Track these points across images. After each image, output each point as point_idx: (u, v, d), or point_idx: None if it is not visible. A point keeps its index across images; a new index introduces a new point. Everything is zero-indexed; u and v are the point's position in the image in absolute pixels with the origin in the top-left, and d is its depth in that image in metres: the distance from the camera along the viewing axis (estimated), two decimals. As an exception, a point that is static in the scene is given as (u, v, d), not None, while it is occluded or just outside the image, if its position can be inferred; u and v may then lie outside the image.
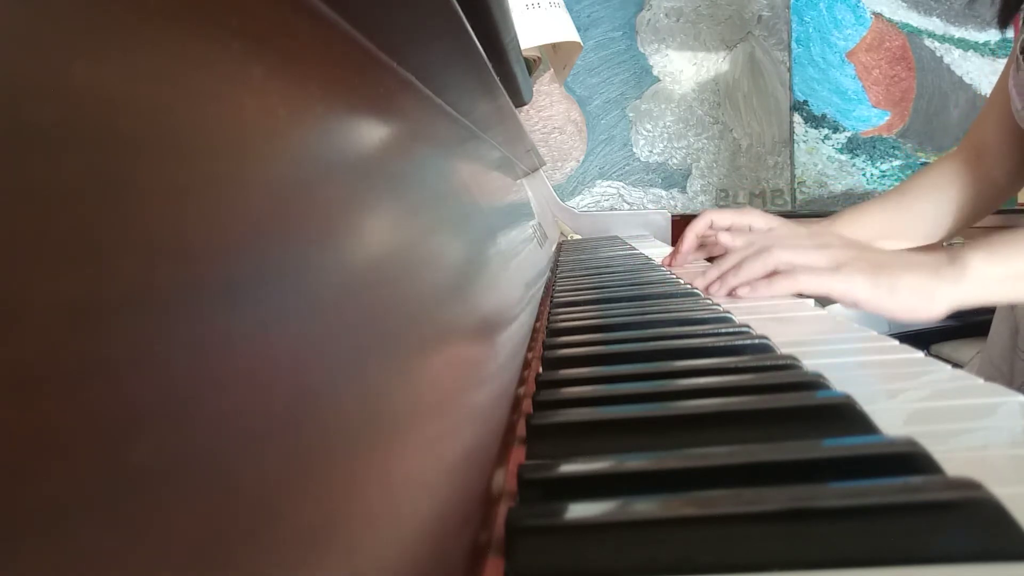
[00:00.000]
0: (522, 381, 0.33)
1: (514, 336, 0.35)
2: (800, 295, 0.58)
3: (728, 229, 0.75)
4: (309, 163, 0.16)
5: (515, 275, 0.45)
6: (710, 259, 0.82)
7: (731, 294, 0.59)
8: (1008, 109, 0.82)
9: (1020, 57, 0.75)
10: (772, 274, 0.58)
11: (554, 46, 1.34)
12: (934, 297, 0.54)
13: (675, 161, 1.97)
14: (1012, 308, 0.81)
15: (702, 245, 0.81)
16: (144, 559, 0.08)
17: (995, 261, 0.54)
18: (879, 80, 1.97)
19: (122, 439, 0.08)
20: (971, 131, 0.89)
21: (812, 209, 1.93)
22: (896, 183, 1.95)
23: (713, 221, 0.78)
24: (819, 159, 1.96)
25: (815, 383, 0.29)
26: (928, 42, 1.96)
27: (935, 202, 0.84)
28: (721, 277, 0.60)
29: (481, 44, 0.35)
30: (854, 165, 1.96)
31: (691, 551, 0.19)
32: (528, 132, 0.81)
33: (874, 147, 1.96)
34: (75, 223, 0.08)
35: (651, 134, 1.97)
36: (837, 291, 0.55)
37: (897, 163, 1.96)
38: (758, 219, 0.75)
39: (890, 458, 0.22)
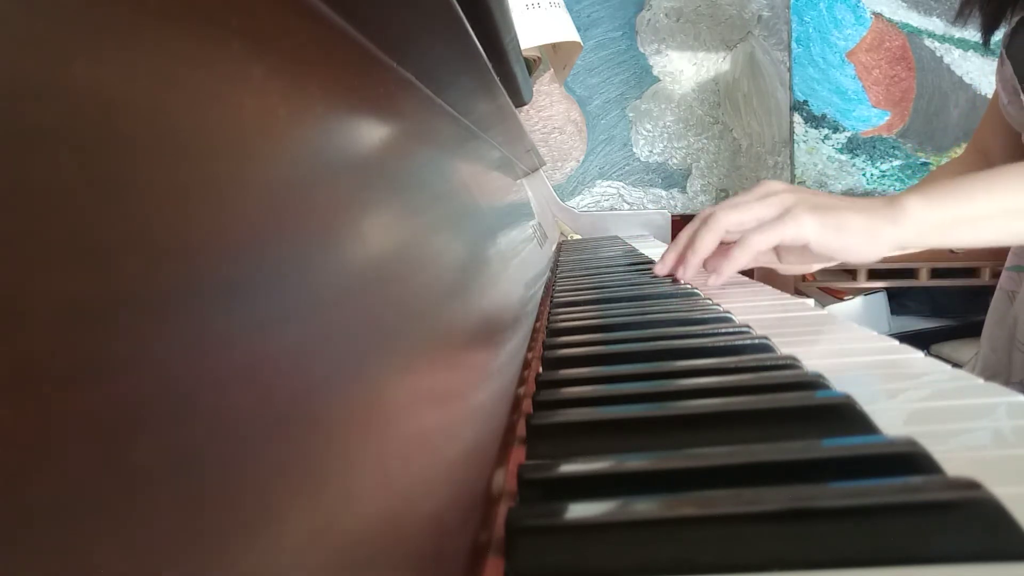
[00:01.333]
0: (522, 381, 0.33)
1: (514, 336, 0.35)
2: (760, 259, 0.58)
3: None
4: (309, 163, 0.16)
5: (515, 275, 0.45)
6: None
7: (707, 285, 0.59)
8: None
9: (1004, 52, 0.75)
10: (725, 247, 0.58)
11: (554, 46, 1.34)
12: (878, 237, 0.55)
13: (675, 161, 1.97)
14: (1011, 301, 0.81)
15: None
16: (144, 559, 0.08)
17: (931, 207, 0.55)
18: (879, 80, 1.97)
19: (122, 439, 0.08)
20: (976, 134, 0.90)
21: (812, 209, 1.93)
22: (896, 183, 1.95)
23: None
24: (819, 159, 1.96)
25: (815, 383, 0.29)
26: (928, 42, 1.96)
27: None
28: (682, 259, 0.60)
29: (481, 44, 0.35)
30: (854, 165, 1.96)
31: (691, 551, 0.19)
32: (528, 132, 0.81)
33: (874, 147, 1.96)
34: (75, 223, 0.08)
35: (651, 134, 1.97)
36: (788, 236, 0.55)
37: (897, 163, 1.96)
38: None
39: (890, 458, 0.22)
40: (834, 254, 0.56)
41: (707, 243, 0.59)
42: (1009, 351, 0.79)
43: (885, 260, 0.58)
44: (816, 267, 0.65)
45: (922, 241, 0.56)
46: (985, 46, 0.82)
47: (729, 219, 0.58)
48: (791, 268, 0.65)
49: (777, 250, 0.60)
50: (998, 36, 0.79)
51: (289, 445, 0.11)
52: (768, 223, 0.56)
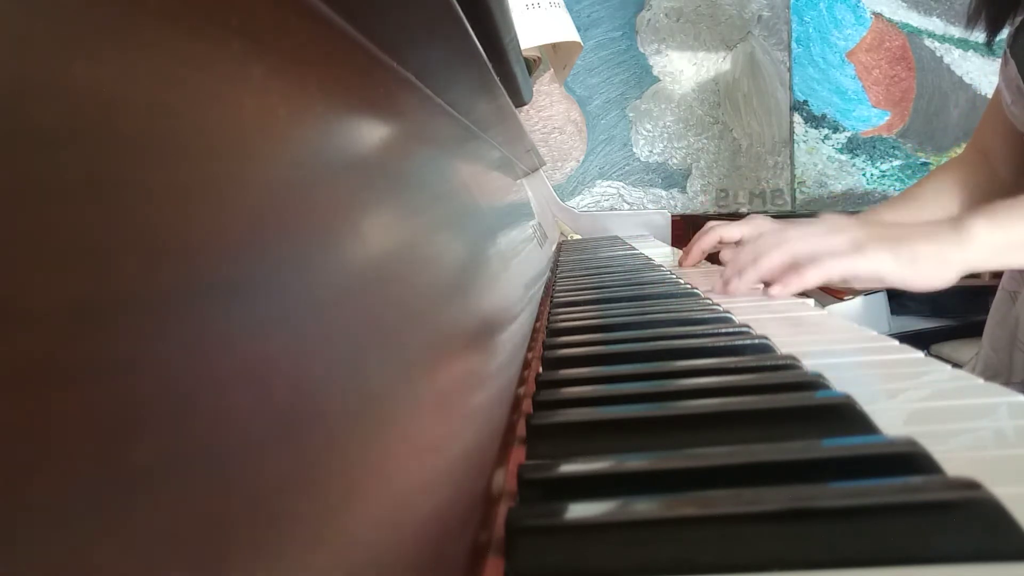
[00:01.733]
0: (522, 381, 0.33)
1: (514, 336, 0.35)
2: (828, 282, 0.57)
3: (739, 243, 0.75)
4: (309, 163, 0.16)
5: (515, 275, 0.45)
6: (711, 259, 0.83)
7: (764, 292, 0.58)
8: (1003, 111, 0.82)
9: (1008, 52, 0.75)
10: (795, 267, 0.57)
11: (554, 46, 1.34)
12: (948, 264, 0.55)
13: (675, 161, 1.97)
14: (1013, 301, 0.81)
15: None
16: (144, 559, 0.08)
17: (997, 229, 0.55)
18: (879, 80, 1.97)
19: (122, 439, 0.08)
20: (975, 133, 0.90)
21: (812, 209, 1.93)
22: (896, 183, 1.95)
23: (722, 237, 0.78)
24: (819, 159, 1.96)
25: (815, 383, 0.29)
26: (928, 42, 1.96)
27: (945, 207, 0.84)
28: (740, 272, 0.59)
29: (481, 44, 0.35)
30: (854, 165, 1.96)
31: (691, 551, 0.19)
32: (528, 132, 0.81)
33: (874, 147, 1.96)
34: (75, 223, 0.08)
35: (651, 134, 1.97)
36: (863, 270, 0.55)
37: (897, 163, 1.96)
38: (767, 226, 0.75)
39: (890, 458, 0.22)
40: (909, 285, 0.56)
41: (772, 264, 0.58)
42: (1010, 351, 0.79)
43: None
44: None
45: (989, 264, 0.56)
46: (988, 47, 0.82)
47: (800, 247, 0.57)
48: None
49: (847, 278, 0.60)
50: (1000, 36, 0.79)
51: (289, 445, 0.11)
52: (843, 254, 0.55)
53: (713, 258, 0.81)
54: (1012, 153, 0.84)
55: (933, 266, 0.55)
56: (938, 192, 0.85)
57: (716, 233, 0.79)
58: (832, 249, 0.56)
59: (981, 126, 0.89)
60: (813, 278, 0.56)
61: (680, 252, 0.90)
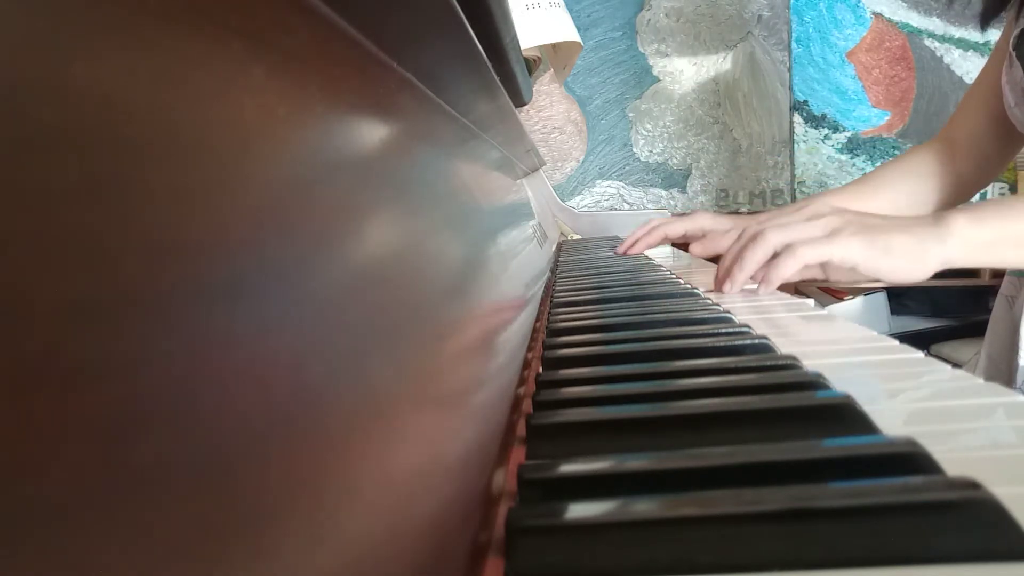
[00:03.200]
0: (522, 381, 0.33)
1: (514, 336, 0.35)
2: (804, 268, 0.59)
3: (683, 237, 0.80)
4: (309, 163, 0.16)
5: (515, 275, 0.45)
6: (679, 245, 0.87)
7: (755, 292, 0.60)
8: (985, 103, 0.83)
9: (1013, 54, 0.75)
10: (773, 257, 0.58)
11: (554, 46, 1.35)
12: (925, 257, 0.55)
13: (675, 161, 1.97)
14: (1011, 305, 0.81)
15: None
16: (144, 559, 0.08)
17: (977, 225, 0.56)
18: (879, 80, 1.97)
19: (122, 439, 0.08)
20: (948, 124, 0.90)
21: (812, 209, 1.93)
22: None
23: (667, 235, 0.84)
24: (819, 159, 1.96)
25: (815, 383, 0.29)
26: (928, 42, 1.96)
27: (903, 191, 0.85)
28: (729, 275, 0.61)
29: (481, 44, 0.35)
30: (854, 165, 1.96)
31: (691, 551, 0.19)
32: (528, 132, 0.81)
33: (874, 147, 1.96)
34: (75, 223, 0.08)
35: (651, 134, 1.97)
36: (836, 256, 0.55)
37: (897, 163, 1.96)
38: (707, 221, 0.79)
39: (890, 458, 0.22)
40: (882, 275, 0.57)
41: (756, 260, 0.59)
42: (1009, 358, 0.79)
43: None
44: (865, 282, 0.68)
45: (968, 259, 0.56)
46: (982, 31, 0.82)
47: (778, 238, 0.58)
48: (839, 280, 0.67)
49: (824, 266, 0.61)
50: (993, 36, 0.79)
51: (289, 445, 0.11)
52: (817, 240, 0.56)
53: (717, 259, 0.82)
54: (977, 151, 0.84)
55: (908, 258, 0.55)
56: (899, 176, 0.86)
57: (660, 232, 0.84)
58: (807, 236, 0.57)
59: (954, 118, 0.89)
60: (788, 269, 0.57)
61: (680, 252, 0.90)
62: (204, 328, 0.10)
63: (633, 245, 0.88)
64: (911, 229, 0.56)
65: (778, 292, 0.61)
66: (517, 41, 0.53)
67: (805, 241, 0.56)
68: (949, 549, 0.18)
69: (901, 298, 1.83)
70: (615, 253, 0.90)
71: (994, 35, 0.85)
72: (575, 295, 0.60)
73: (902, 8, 1.97)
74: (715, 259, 0.82)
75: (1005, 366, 0.80)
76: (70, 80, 0.08)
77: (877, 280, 0.59)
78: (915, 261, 0.55)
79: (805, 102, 1.96)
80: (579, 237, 1.43)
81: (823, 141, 1.96)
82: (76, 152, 0.08)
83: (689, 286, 0.60)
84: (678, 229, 0.83)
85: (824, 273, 0.64)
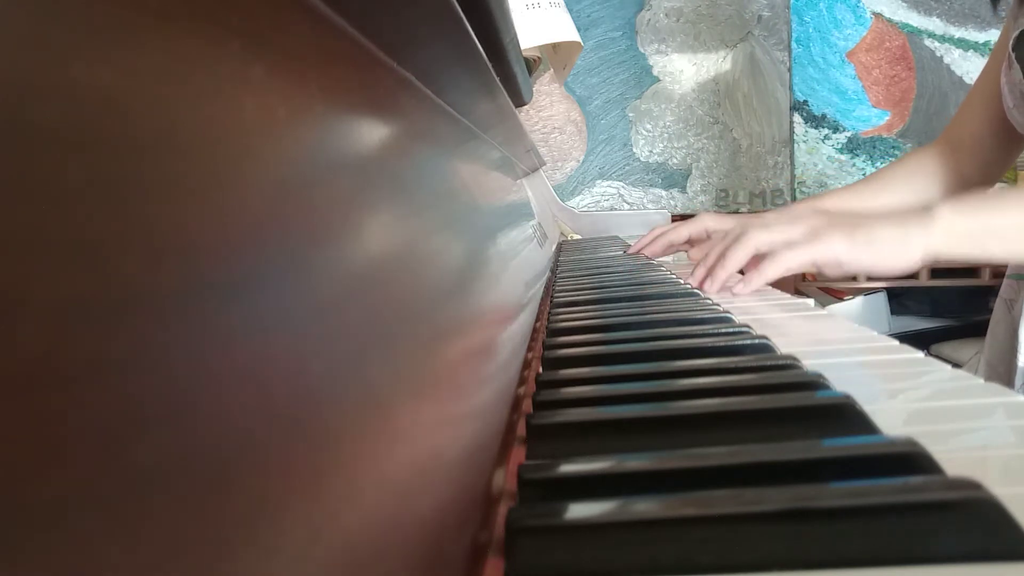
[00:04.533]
0: (522, 381, 0.33)
1: (514, 336, 0.35)
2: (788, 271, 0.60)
3: (688, 241, 0.79)
4: (308, 163, 0.16)
5: (515, 275, 0.45)
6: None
7: (734, 292, 0.61)
8: (986, 105, 0.83)
9: (1012, 55, 0.75)
10: (756, 260, 0.59)
11: (554, 46, 1.35)
12: (909, 246, 0.56)
13: (675, 161, 1.97)
14: (1010, 309, 0.81)
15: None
16: (144, 558, 0.08)
17: (963, 216, 0.56)
18: (879, 80, 1.97)
19: (122, 439, 0.08)
20: (950, 125, 0.90)
21: (812, 209, 1.93)
22: (896, 183, 1.94)
23: (671, 242, 0.83)
24: (819, 159, 1.96)
25: (815, 383, 0.29)
26: (928, 42, 1.96)
27: (904, 192, 0.85)
28: (710, 273, 0.62)
29: (481, 44, 0.35)
30: (854, 165, 1.96)
31: (691, 551, 0.19)
32: (528, 132, 0.81)
33: (874, 147, 1.96)
34: (75, 222, 0.08)
35: (651, 134, 1.97)
36: (820, 256, 0.57)
37: (897, 163, 1.96)
38: (711, 222, 0.79)
39: (890, 458, 0.22)
40: (869, 268, 0.57)
41: (737, 260, 0.60)
42: (1008, 359, 0.79)
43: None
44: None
45: (953, 250, 0.57)
46: (994, 12, 0.82)
47: (760, 239, 0.59)
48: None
49: (814, 265, 0.62)
50: (994, 36, 0.79)
51: (289, 445, 0.11)
52: (799, 243, 0.57)
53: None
54: (981, 151, 0.84)
55: (892, 247, 0.56)
56: (901, 177, 0.86)
57: (664, 241, 0.83)
58: (789, 240, 0.58)
59: (956, 119, 0.89)
60: (773, 272, 0.58)
61: (681, 252, 0.90)
62: (204, 327, 0.10)
63: (639, 252, 0.88)
64: (895, 220, 0.57)
65: (778, 292, 0.61)
66: (517, 41, 0.53)
67: (788, 244, 0.57)
68: (949, 549, 0.18)
69: (901, 298, 1.83)
70: (625, 252, 0.89)
71: (995, 34, 0.85)
72: (575, 295, 0.60)
73: (902, 8, 1.97)
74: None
75: (1004, 369, 0.80)
76: (70, 80, 0.08)
77: (870, 278, 0.61)
78: (899, 251, 0.56)
79: (805, 102, 1.96)
80: (579, 237, 1.43)
81: (823, 141, 1.96)
82: (76, 152, 0.08)
83: (689, 286, 0.60)
84: (682, 234, 0.81)
85: (818, 270, 0.65)
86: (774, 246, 0.58)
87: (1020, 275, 0.80)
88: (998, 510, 0.18)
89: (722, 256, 0.61)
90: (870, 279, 1.74)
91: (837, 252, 0.56)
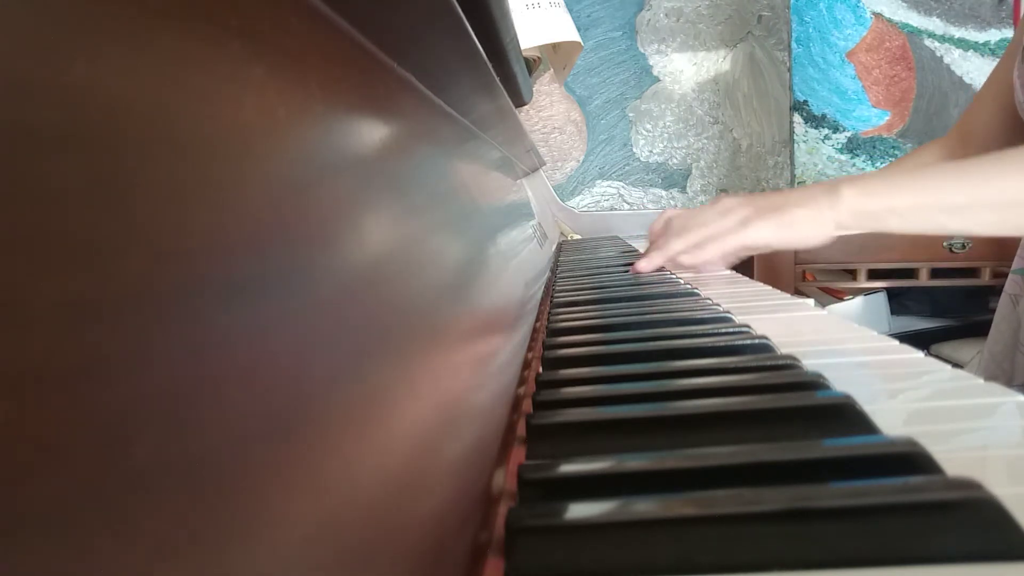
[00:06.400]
0: (522, 381, 0.33)
1: (514, 336, 0.35)
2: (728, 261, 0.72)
3: (679, 254, 0.84)
4: (308, 163, 0.16)
5: (515, 275, 0.45)
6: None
7: (679, 264, 0.72)
8: (997, 100, 0.83)
9: None
10: (696, 246, 0.70)
11: (554, 46, 1.35)
12: (822, 222, 0.65)
13: (675, 161, 1.97)
14: (1015, 304, 0.81)
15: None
16: (143, 558, 0.08)
17: (863, 196, 0.64)
18: (879, 80, 1.97)
19: (122, 439, 0.08)
20: (961, 120, 0.91)
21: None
22: (896, 183, 1.94)
23: (665, 261, 0.90)
24: (819, 159, 1.96)
25: (815, 383, 0.29)
26: (928, 42, 1.96)
27: None
28: (647, 257, 0.73)
29: (481, 44, 0.35)
30: (854, 165, 1.96)
31: (691, 551, 0.19)
32: (528, 132, 0.81)
33: (874, 147, 1.96)
34: (75, 223, 0.08)
35: (651, 134, 1.97)
36: (752, 241, 0.68)
37: (897, 163, 1.95)
38: (670, 213, 0.87)
39: (890, 458, 0.22)
40: (793, 245, 0.67)
41: (675, 249, 0.72)
42: (1012, 355, 0.79)
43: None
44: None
45: (858, 226, 0.65)
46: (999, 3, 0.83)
47: (700, 232, 0.70)
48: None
49: (747, 249, 0.73)
50: (994, 36, 0.79)
51: (289, 444, 0.11)
52: (732, 231, 0.68)
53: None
54: (991, 146, 0.84)
55: (809, 226, 0.65)
56: (918, 168, 0.87)
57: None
58: (723, 229, 0.69)
59: (967, 114, 0.90)
60: (710, 254, 0.70)
61: None
62: (204, 327, 0.10)
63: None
64: (807, 200, 0.66)
65: (778, 292, 0.61)
66: (517, 41, 0.53)
67: (723, 233, 0.68)
68: (949, 549, 0.18)
69: (901, 298, 1.83)
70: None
71: (995, 34, 0.85)
72: (575, 295, 0.60)
73: (902, 8, 1.97)
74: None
75: (1008, 364, 0.80)
76: (70, 80, 0.08)
77: (870, 279, 0.68)
78: (815, 227, 0.65)
79: (805, 102, 1.96)
80: (579, 237, 1.42)
81: (823, 141, 1.96)
82: (76, 152, 0.08)
83: (689, 286, 0.60)
84: (676, 248, 0.81)
85: (752, 250, 0.75)
86: (711, 237, 0.69)
87: (1019, 270, 0.80)
88: (998, 510, 0.18)
89: (663, 244, 0.73)
90: (869, 278, 1.74)
91: (766, 237, 0.67)
